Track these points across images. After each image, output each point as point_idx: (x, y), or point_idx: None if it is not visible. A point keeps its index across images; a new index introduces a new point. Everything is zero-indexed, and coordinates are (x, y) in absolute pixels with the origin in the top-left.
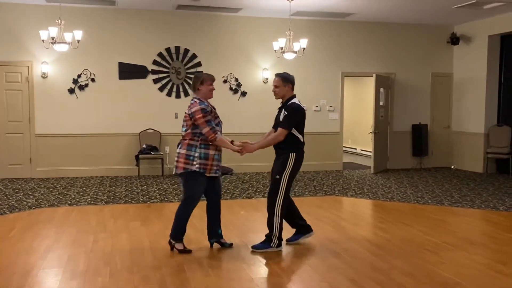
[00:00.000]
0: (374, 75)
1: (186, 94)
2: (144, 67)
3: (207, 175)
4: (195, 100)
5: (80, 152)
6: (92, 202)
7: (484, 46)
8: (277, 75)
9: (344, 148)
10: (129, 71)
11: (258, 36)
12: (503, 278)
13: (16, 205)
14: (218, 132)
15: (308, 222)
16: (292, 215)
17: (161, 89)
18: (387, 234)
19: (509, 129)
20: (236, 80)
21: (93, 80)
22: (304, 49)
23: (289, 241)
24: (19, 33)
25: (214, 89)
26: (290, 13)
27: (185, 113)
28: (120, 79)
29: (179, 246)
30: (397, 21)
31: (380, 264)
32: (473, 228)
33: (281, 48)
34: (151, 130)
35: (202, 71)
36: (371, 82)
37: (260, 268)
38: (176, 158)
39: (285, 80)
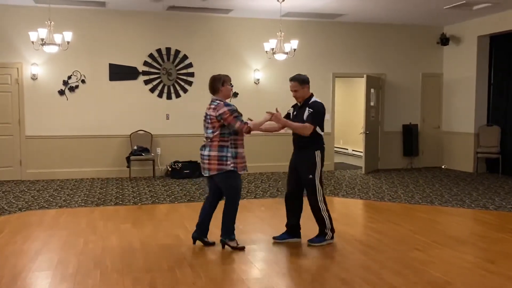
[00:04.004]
0: (364, 75)
1: (177, 95)
2: (135, 68)
3: (239, 172)
4: (218, 102)
5: (71, 154)
6: (82, 204)
7: (474, 46)
8: (292, 79)
9: (335, 149)
10: (119, 73)
11: (249, 37)
12: (492, 276)
13: (6, 208)
14: (248, 122)
15: (299, 222)
16: (293, 212)
17: (152, 90)
18: (377, 234)
19: (498, 129)
20: None
21: (83, 81)
22: (295, 50)
23: (275, 238)
24: (8, 35)
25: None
26: (281, 14)
27: (209, 115)
28: (111, 80)
29: (232, 243)
30: (387, 22)
31: (371, 264)
32: (463, 227)
33: (272, 49)
34: (142, 132)
35: (193, 72)
36: (362, 83)
37: (251, 269)
38: (206, 161)
39: (302, 82)
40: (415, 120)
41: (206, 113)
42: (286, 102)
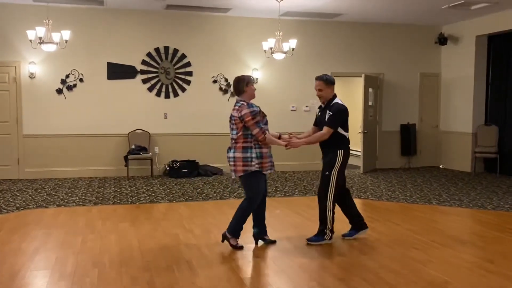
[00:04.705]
0: (363, 75)
1: (176, 95)
2: (133, 67)
3: (264, 172)
4: (242, 103)
5: (69, 152)
6: (80, 203)
7: (472, 46)
8: (318, 78)
9: None
10: (117, 71)
11: (248, 36)
12: (490, 276)
13: (4, 207)
14: (267, 132)
15: (298, 222)
16: (350, 210)
17: (150, 89)
18: (376, 233)
19: (496, 128)
20: (226, 80)
21: (81, 80)
22: (293, 49)
23: (344, 236)
24: (6, 33)
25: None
26: (279, 13)
27: (233, 116)
28: (109, 79)
29: (233, 241)
30: (386, 21)
31: (369, 263)
32: (461, 226)
33: (271, 48)
34: (140, 131)
35: (192, 71)
36: (360, 82)
37: (249, 268)
38: (232, 163)
39: (327, 82)
40: (413, 119)
41: (231, 114)
42: (285, 102)
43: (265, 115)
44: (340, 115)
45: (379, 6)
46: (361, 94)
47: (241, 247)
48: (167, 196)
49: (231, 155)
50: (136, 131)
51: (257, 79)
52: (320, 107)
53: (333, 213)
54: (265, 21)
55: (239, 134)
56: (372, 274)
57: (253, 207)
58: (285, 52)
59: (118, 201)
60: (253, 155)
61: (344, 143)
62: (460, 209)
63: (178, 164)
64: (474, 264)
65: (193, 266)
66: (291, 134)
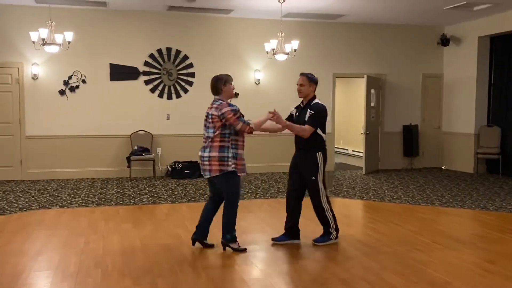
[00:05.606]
0: (365, 76)
1: (178, 96)
2: (136, 69)
3: (239, 174)
4: (221, 101)
5: (71, 153)
6: (83, 204)
7: (474, 47)
8: (303, 74)
9: (335, 149)
10: (120, 72)
11: (250, 37)
12: (492, 277)
13: (7, 208)
14: (250, 122)
15: (300, 223)
16: (293, 214)
17: (152, 90)
18: (378, 234)
19: (499, 129)
20: None
21: (84, 81)
22: (295, 50)
23: (274, 240)
24: (9, 34)
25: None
26: (281, 14)
27: (210, 114)
28: (111, 80)
29: (234, 245)
30: (388, 22)
31: (371, 264)
32: (463, 227)
33: (273, 49)
34: (143, 132)
35: (194, 73)
36: (362, 83)
37: (251, 269)
38: (206, 162)
39: (310, 80)
40: (415, 120)
41: (208, 113)
42: (287, 103)
43: (243, 116)
44: (321, 114)
45: (381, 7)
46: (363, 95)
47: (244, 249)
48: (169, 197)
49: (206, 154)
50: (139, 132)
51: (259, 80)
52: (297, 107)
53: (332, 211)
54: (267, 22)
55: (216, 133)
56: (374, 275)
57: (237, 205)
58: (287, 53)
59: (121, 202)
60: (230, 155)
61: (322, 145)
62: (462, 210)
63: (180, 165)
64: (476, 265)
65: (195, 267)
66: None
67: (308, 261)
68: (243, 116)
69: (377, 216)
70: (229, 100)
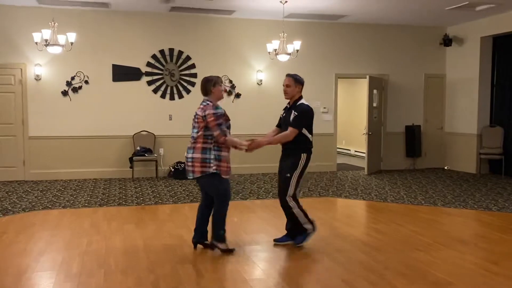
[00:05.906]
0: (367, 76)
1: (180, 96)
2: (138, 69)
3: (223, 176)
4: (208, 102)
5: (74, 154)
6: (86, 204)
7: (477, 47)
8: (289, 75)
9: (338, 149)
10: (123, 73)
11: (252, 38)
12: (494, 277)
13: (10, 208)
14: (228, 134)
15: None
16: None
17: (155, 91)
18: (380, 234)
19: (501, 129)
20: (231, 82)
21: (86, 82)
22: (297, 51)
23: (276, 241)
24: (12, 35)
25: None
26: (283, 15)
27: (197, 114)
28: (114, 81)
29: (222, 246)
30: (390, 22)
31: (373, 265)
32: (466, 228)
33: (275, 50)
34: (145, 132)
35: (196, 73)
36: (364, 84)
37: (254, 269)
38: (189, 163)
39: (296, 81)
40: (418, 121)
41: (196, 113)
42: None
43: (229, 119)
44: (305, 115)
45: (383, 7)
46: (365, 96)
47: (232, 250)
48: (172, 198)
49: (189, 155)
50: (141, 132)
51: (261, 80)
52: (285, 108)
53: (300, 206)
54: (270, 23)
55: (199, 134)
56: (376, 275)
57: (226, 206)
58: (289, 54)
59: (123, 203)
60: (212, 156)
61: (308, 146)
62: (465, 211)
63: (183, 165)
64: (478, 265)
65: (197, 267)
66: (252, 139)
67: (310, 261)
68: (229, 119)
69: (379, 217)
70: (217, 102)
